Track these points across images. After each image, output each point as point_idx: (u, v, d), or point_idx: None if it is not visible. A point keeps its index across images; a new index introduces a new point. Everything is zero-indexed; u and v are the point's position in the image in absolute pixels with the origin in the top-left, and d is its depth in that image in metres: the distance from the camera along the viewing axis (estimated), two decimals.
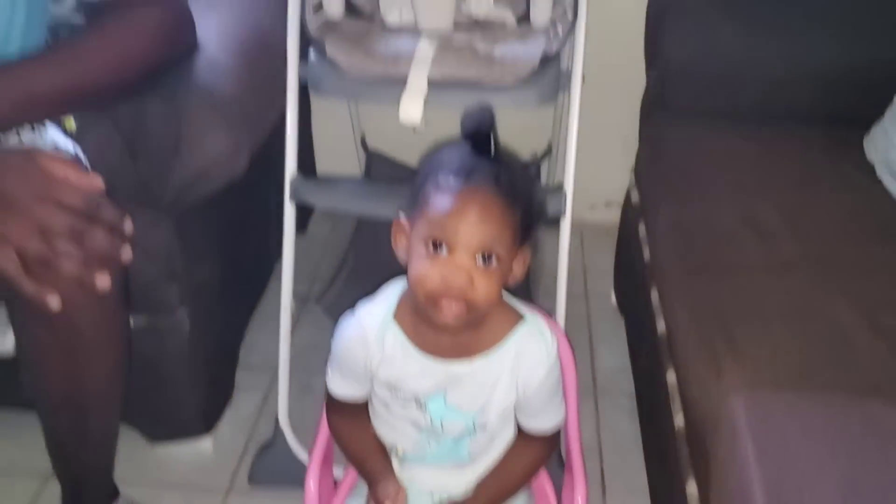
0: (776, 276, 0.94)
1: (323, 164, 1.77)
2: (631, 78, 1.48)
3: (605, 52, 1.42)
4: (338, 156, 1.68)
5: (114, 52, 0.93)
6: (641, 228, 1.24)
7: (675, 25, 1.31)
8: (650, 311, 1.13)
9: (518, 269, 0.79)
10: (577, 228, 1.83)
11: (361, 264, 1.47)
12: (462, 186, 0.77)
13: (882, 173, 1.13)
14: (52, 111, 0.92)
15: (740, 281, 0.94)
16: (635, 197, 1.33)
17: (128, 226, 0.82)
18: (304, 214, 1.69)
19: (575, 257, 1.79)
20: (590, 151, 1.69)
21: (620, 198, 1.54)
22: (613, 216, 1.63)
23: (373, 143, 1.66)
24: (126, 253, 0.82)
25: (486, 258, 0.76)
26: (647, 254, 1.19)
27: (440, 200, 0.77)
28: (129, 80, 0.96)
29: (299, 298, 1.50)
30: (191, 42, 1.04)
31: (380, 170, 1.64)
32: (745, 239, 1.01)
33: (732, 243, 1.01)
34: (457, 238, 0.75)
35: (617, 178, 1.61)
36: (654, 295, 1.11)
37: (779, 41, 1.28)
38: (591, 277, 1.71)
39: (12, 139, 0.94)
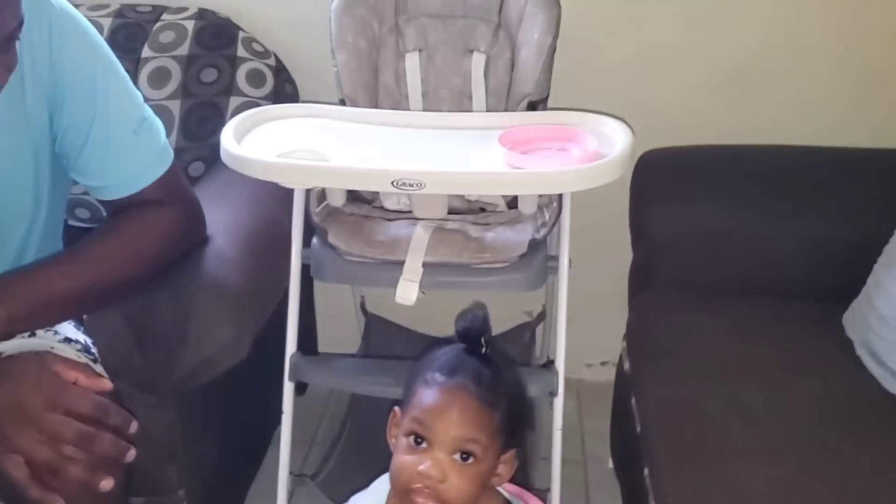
0: (761, 463, 0.96)
1: (323, 327, 1.81)
2: (625, 241, 1.55)
3: (600, 213, 1.50)
4: (338, 319, 1.73)
5: (129, 254, 1.00)
6: (633, 400, 1.26)
7: (656, 205, 1.38)
8: (644, 488, 1.14)
9: (505, 472, 0.82)
10: (573, 387, 1.89)
11: (357, 437, 1.49)
12: (444, 384, 0.82)
13: (861, 352, 1.17)
14: (66, 314, 0.98)
15: (726, 468, 0.96)
16: (627, 366, 1.36)
17: (133, 427, 0.86)
18: None
19: (572, 419, 1.80)
20: (585, 311, 1.76)
21: (615, 357, 1.57)
22: (609, 375, 1.65)
23: (372, 307, 1.72)
24: (130, 454, 0.85)
25: (464, 456, 0.79)
26: (639, 427, 1.21)
27: (423, 396, 0.82)
28: (141, 277, 1.02)
29: (296, 467, 1.51)
30: (201, 236, 1.12)
31: (379, 333, 1.69)
32: (730, 423, 1.03)
33: (718, 428, 1.03)
34: (435, 434, 0.80)
35: (612, 336, 1.64)
36: (647, 472, 1.13)
37: (757, 219, 1.35)
38: (588, 441, 1.71)
39: (27, 336, 0.99)
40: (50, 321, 0.97)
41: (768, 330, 1.23)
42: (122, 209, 1.03)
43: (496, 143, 1.07)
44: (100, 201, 1.07)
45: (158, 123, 1.05)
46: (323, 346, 1.80)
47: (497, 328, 1.72)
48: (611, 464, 1.58)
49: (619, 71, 1.58)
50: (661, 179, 1.41)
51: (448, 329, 1.68)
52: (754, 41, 1.53)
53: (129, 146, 1.00)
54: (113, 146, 0.98)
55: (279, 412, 1.23)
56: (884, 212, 1.28)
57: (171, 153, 1.05)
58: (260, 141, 1.12)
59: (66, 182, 1.06)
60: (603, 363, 1.88)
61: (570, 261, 1.20)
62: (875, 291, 1.18)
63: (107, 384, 0.88)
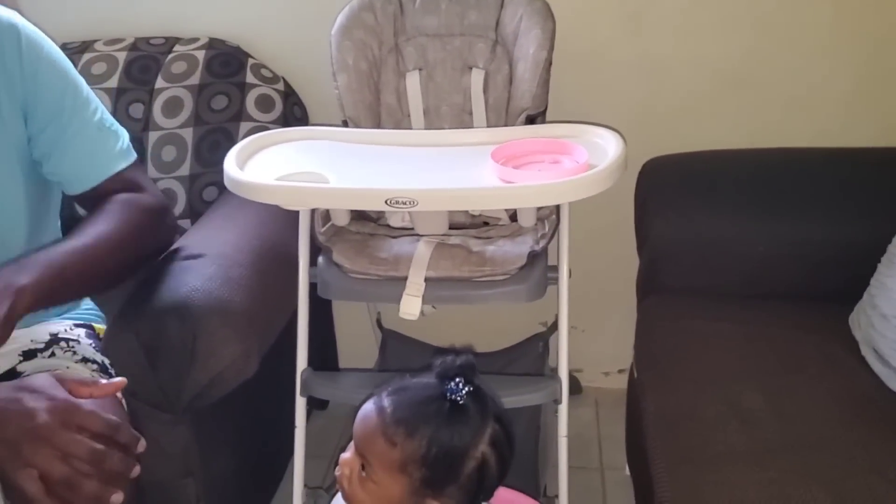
0: (758, 465, 0.97)
1: (343, 343, 1.85)
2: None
3: (614, 221, 1.51)
4: (358, 335, 1.76)
5: (117, 226, 1.06)
6: (641, 406, 1.27)
7: (659, 212, 1.40)
8: (651, 493, 1.15)
9: None
10: (591, 395, 1.91)
11: None
12: (377, 397, 0.89)
13: (865, 352, 1.16)
14: (79, 290, 1.07)
15: (723, 471, 0.97)
16: (636, 373, 1.37)
17: (141, 446, 0.90)
18: None
19: (590, 427, 1.81)
20: (601, 319, 1.78)
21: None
22: (626, 383, 1.66)
23: (389, 323, 1.75)
24: (136, 470, 0.89)
25: (363, 467, 0.86)
26: (644, 433, 1.22)
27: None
28: (133, 252, 1.10)
29: (315, 483, 1.54)
30: (171, 227, 1.20)
31: (394, 348, 1.71)
32: (728, 426, 1.04)
33: (717, 431, 1.04)
34: (353, 435, 0.89)
35: (629, 344, 1.65)
36: (651, 477, 1.14)
37: (758, 224, 1.35)
38: (605, 448, 1.72)
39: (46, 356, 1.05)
40: (66, 298, 1.06)
41: (772, 333, 1.24)
42: (94, 200, 1.11)
43: (489, 158, 1.09)
44: (75, 198, 1.14)
45: (120, 129, 1.14)
46: (344, 362, 1.84)
47: (513, 339, 1.74)
48: (627, 471, 1.59)
49: (619, 80, 1.59)
50: (663, 187, 1.43)
51: (461, 342, 1.73)
52: (752, 45, 1.54)
53: (94, 144, 1.10)
54: (80, 145, 1.09)
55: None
56: (887, 211, 1.29)
57: (135, 154, 1.15)
58: (262, 165, 1.16)
59: (51, 193, 1.15)
60: (620, 371, 1.88)
61: (569, 271, 1.22)
62: (878, 291, 1.18)
63: (121, 381, 0.93)
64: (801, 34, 1.52)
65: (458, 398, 0.86)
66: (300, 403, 1.25)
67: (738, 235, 1.36)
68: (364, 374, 1.49)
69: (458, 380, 0.87)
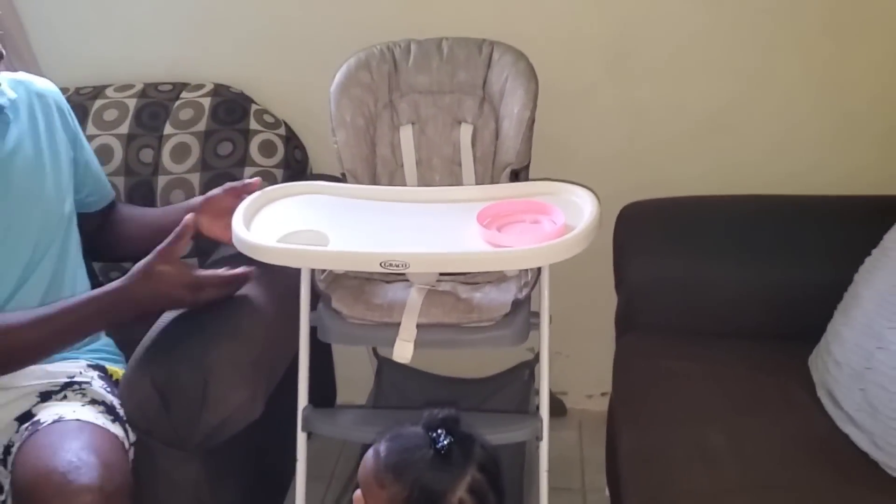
0: None
1: (342, 368, 1.95)
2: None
3: (596, 248, 1.61)
4: (354, 363, 1.86)
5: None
6: (617, 443, 1.37)
7: (634, 256, 1.50)
8: None
9: None
10: (575, 417, 2.01)
11: None
12: (379, 441, 1.00)
13: (822, 394, 1.27)
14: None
15: None
16: (614, 409, 1.47)
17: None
18: (329, 404, 1.85)
19: (574, 449, 1.92)
20: (585, 343, 1.87)
21: None
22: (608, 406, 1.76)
23: (383, 351, 1.84)
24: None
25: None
26: (617, 469, 1.32)
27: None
28: None
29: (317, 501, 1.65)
30: None
31: (389, 374, 1.81)
32: (693, 467, 1.14)
33: (682, 471, 1.14)
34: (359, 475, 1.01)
35: (611, 369, 1.76)
36: None
37: (729, 266, 1.45)
38: (587, 470, 1.82)
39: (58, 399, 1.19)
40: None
41: (738, 373, 1.34)
42: (105, 214, 1.47)
43: (475, 220, 1.19)
44: (88, 215, 1.44)
45: None
46: (341, 387, 1.94)
47: (501, 363, 1.84)
48: (608, 493, 1.69)
49: (602, 123, 1.69)
50: (639, 232, 1.53)
51: (453, 368, 1.83)
52: (729, 93, 1.63)
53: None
54: (96, 166, 1.46)
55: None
56: (847, 257, 1.38)
57: None
58: (267, 221, 1.26)
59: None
60: (603, 394, 1.99)
61: (550, 317, 1.31)
62: (833, 338, 1.28)
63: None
64: (775, 84, 1.61)
65: (441, 448, 0.96)
66: (301, 439, 1.35)
67: (708, 278, 1.46)
68: (360, 412, 1.59)
69: (440, 431, 0.98)
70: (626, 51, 1.61)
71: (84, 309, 1.19)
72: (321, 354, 1.42)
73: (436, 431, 0.98)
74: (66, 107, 1.40)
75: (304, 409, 1.35)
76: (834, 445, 1.18)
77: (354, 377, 1.90)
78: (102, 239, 1.47)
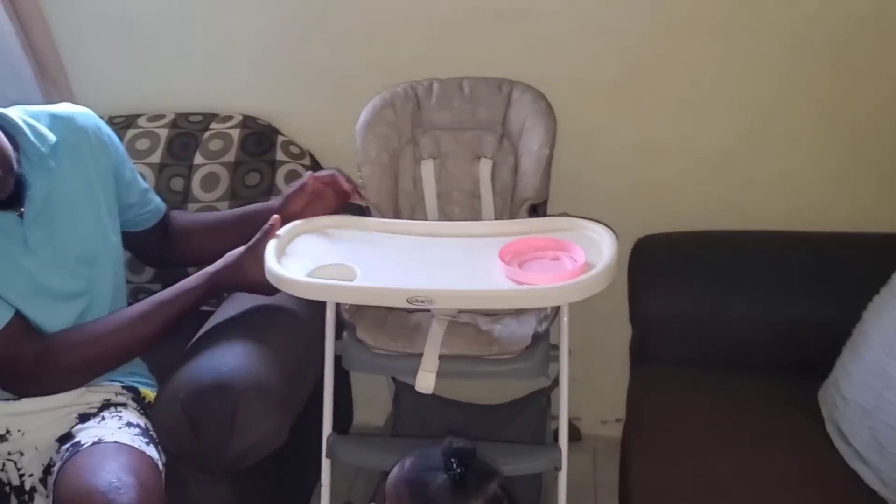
0: None
1: (358, 389, 1.99)
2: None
3: (608, 289, 1.64)
4: (370, 385, 1.91)
5: None
6: (629, 473, 1.41)
7: (648, 289, 1.54)
8: None
9: None
10: (590, 443, 2.04)
11: None
12: (402, 464, 1.04)
13: (830, 429, 1.30)
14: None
15: None
16: (626, 439, 1.51)
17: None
18: (344, 428, 1.89)
19: (587, 475, 1.95)
20: (600, 370, 1.91)
21: None
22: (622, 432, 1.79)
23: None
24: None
25: None
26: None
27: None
28: None
29: None
30: None
31: (407, 399, 1.86)
32: (702, 498, 1.18)
33: (691, 502, 1.18)
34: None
35: (625, 396, 1.79)
36: None
37: (741, 301, 1.49)
38: (601, 495, 1.86)
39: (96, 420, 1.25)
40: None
41: (748, 406, 1.37)
42: (163, 226, 1.52)
43: (497, 256, 1.24)
44: (145, 231, 1.50)
45: None
46: (359, 411, 1.98)
47: (517, 392, 1.88)
48: None
49: (616, 159, 1.73)
50: (653, 265, 1.57)
51: (469, 394, 1.87)
52: (740, 131, 1.67)
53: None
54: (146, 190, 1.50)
55: (318, 470, 1.41)
56: (856, 294, 1.41)
57: None
58: (298, 254, 1.31)
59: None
60: (617, 420, 2.01)
61: (570, 351, 1.36)
62: (841, 374, 1.32)
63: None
64: (784, 121, 1.66)
65: (453, 475, 1.01)
66: (325, 465, 1.39)
67: (720, 312, 1.50)
68: (382, 440, 1.63)
69: (454, 459, 1.02)
70: (640, 90, 1.67)
71: (184, 299, 1.33)
72: (341, 376, 1.47)
73: (450, 458, 1.02)
74: (106, 131, 1.41)
75: (329, 437, 1.40)
76: (842, 481, 1.22)
77: (371, 397, 1.94)
78: (163, 249, 1.53)
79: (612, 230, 1.32)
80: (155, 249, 1.54)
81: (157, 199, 1.52)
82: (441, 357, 1.32)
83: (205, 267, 1.37)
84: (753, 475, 1.22)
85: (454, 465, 1.00)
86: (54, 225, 1.29)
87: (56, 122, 1.34)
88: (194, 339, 1.38)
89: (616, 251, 1.25)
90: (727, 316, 1.50)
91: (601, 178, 1.75)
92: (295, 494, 1.66)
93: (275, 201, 1.48)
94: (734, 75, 1.63)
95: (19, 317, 1.24)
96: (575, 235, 1.32)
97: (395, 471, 1.05)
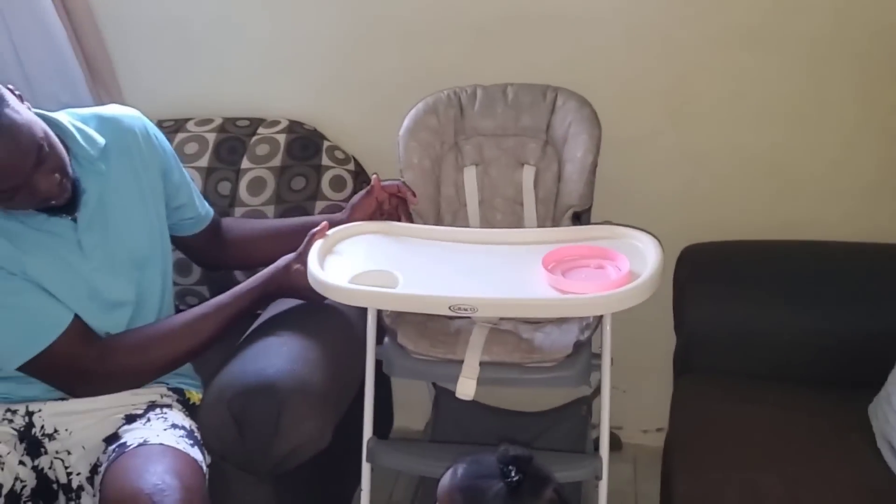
0: None
1: (398, 394, 2.00)
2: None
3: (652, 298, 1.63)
4: (410, 391, 1.92)
5: None
6: (672, 486, 1.40)
7: (694, 299, 1.52)
8: None
9: None
10: (630, 452, 2.02)
11: (429, 499, 1.66)
12: (456, 467, 1.04)
13: (881, 444, 1.27)
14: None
15: None
16: (669, 451, 1.49)
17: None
18: (384, 432, 1.90)
19: (628, 484, 1.93)
20: (642, 379, 1.89)
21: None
22: (663, 441, 1.77)
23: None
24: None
25: None
26: None
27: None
28: None
29: None
30: None
31: (446, 404, 1.86)
32: None
33: None
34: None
35: (667, 405, 1.77)
36: None
37: (785, 313, 1.47)
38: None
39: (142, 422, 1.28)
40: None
41: (795, 420, 1.35)
42: (212, 231, 1.54)
43: (540, 264, 1.24)
44: (193, 235, 1.52)
45: None
46: (399, 415, 1.99)
47: (557, 400, 1.87)
48: None
49: (661, 168, 1.72)
50: (698, 274, 1.55)
51: (509, 401, 1.87)
52: (785, 138, 1.65)
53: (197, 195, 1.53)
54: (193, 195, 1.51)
55: (359, 473, 1.42)
56: None
57: None
58: (341, 259, 1.32)
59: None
60: (658, 429, 2.00)
61: (612, 360, 1.35)
62: (893, 388, 1.29)
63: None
64: (832, 128, 1.63)
65: (510, 482, 1.01)
66: (366, 469, 1.40)
67: (768, 323, 1.48)
68: (422, 445, 1.64)
69: (511, 467, 1.02)
70: (685, 97, 1.65)
71: (240, 302, 1.37)
72: (382, 381, 1.48)
73: (507, 466, 1.02)
74: (153, 131, 1.42)
75: (369, 441, 1.41)
76: (893, 498, 1.19)
77: (411, 402, 1.95)
78: (216, 252, 1.57)
79: (657, 239, 1.30)
80: (206, 252, 1.56)
81: (205, 207, 1.53)
82: (482, 364, 1.32)
83: (256, 271, 1.40)
84: (802, 491, 1.20)
85: (511, 473, 1.00)
86: (108, 229, 1.32)
87: (104, 124, 1.36)
88: (240, 341, 1.40)
89: (661, 260, 1.24)
90: (775, 327, 1.47)
91: (645, 186, 1.74)
92: (335, 498, 1.67)
93: (342, 213, 1.50)
94: (781, 81, 1.60)
95: (79, 319, 1.28)
96: (619, 244, 1.32)
97: (446, 478, 1.04)
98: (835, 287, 1.48)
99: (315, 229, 1.37)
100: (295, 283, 1.35)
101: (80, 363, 1.27)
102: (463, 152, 1.55)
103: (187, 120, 1.83)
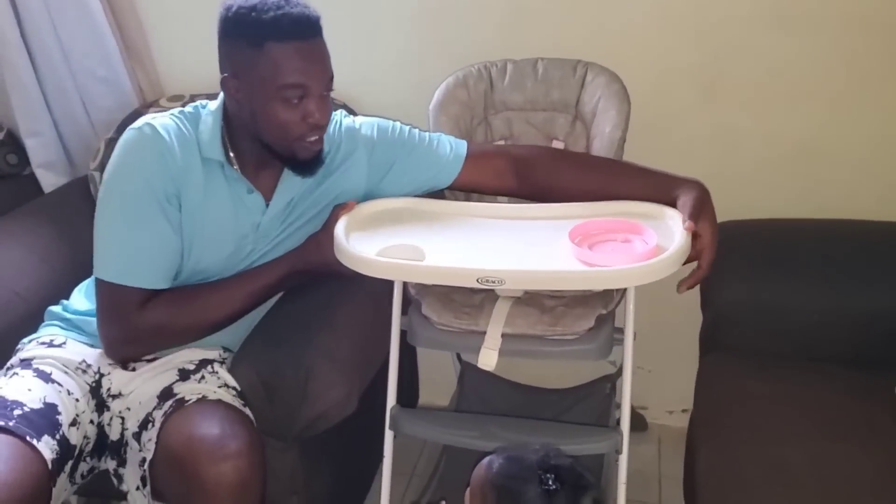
0: None
1: (424, 371, 2.02)
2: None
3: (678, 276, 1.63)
4: (436, 367, 1.93)
5: None
6: (695, 462, 1.40)
7: (722, 277, 1.50)
8: None
9: None
10: (655, 432, 2.02)
11: (451, 473, 1.68)
12: (493, 460, 1.05)
13: None
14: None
15: None
16: (693, 427, 1.49)
17: None
18: (411, 403, 1.92)
19: (652, 464, 1.93)
20: (667, 360, 1.89)
21: None
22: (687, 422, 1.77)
23: (467, 356, 1.90)
24: None
25: None
26: (694, 488, 1.34)
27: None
28: None
29: (397, 498, 1.72)
30: None
31: (471, 380, 1.87)
32: (773, 488, 1.16)
33: (761, 492, 1.16)
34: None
35: (692, 386, 1.77)
36: None
37: (815, 292, 1.46)
38: (665, 485, 1.84)
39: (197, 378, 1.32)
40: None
41: (822, 398, 1.34)
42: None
43: (567, 238, 1.24)
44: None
45: None
46: (424, 390, 2.01)
47: (582, 377, 1.88)
48: None
49: (692, 147, 1.71)
50: (727, 253, 1.53)
51: (535, 377, 1.87)
52: (820, 118, 1.63)
53: None
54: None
55: (382, 449, 1.43)
56: None
57: None
58: (368, 232, 1.33)
59: None
60: (684, 410, 1.99)
61: (634, 334, 1.35)
62: None
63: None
64: (865, 109, 1.61)
65: (547, 489, 1.01)
66: (388, 437, 1.42)
67: (796, 302, 1.47)
68: (444, 414, 1.65)
69: (550, 474, 1.02)
70: (717, 76, 1.64)
71: (266, 277, 1.37)
72: (407, 356, 1.50)
73: (546, 472, 1.02)
74: (390, 139, 1.44)
75: (392, 409, 1.42)
76: None
77: (437, 379, 1.96)
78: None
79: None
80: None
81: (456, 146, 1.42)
82: (504, 336, 1.33)
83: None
84: (828, 469, 1.19)
85: (549, 481, 1.00)
86: (283, 229, 1.40)
87: (338, 129, 1.44)
88: (269, 309, 1.42)
89: (688, 236, 1.23)
90: (804, 305, 1.46)
91: (675, 165, 1.70)
92: (361, 467, 1.69)
93: None
94: (814, 61, 1.59)
95: (158, 292, 1.31)
96: (647, 219, 1.31)
97: (481, 469, 1.04)
98: (866, 265, 1.46)
99: (339, 205, 1.38)
100: (323, 257, 1.35)
101: (126, 315, 1.29)
102: (492, 127, 1.55)
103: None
